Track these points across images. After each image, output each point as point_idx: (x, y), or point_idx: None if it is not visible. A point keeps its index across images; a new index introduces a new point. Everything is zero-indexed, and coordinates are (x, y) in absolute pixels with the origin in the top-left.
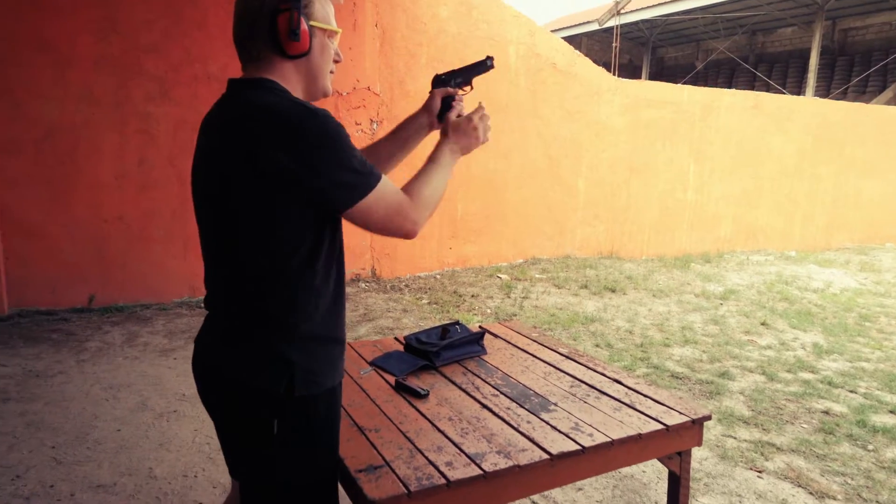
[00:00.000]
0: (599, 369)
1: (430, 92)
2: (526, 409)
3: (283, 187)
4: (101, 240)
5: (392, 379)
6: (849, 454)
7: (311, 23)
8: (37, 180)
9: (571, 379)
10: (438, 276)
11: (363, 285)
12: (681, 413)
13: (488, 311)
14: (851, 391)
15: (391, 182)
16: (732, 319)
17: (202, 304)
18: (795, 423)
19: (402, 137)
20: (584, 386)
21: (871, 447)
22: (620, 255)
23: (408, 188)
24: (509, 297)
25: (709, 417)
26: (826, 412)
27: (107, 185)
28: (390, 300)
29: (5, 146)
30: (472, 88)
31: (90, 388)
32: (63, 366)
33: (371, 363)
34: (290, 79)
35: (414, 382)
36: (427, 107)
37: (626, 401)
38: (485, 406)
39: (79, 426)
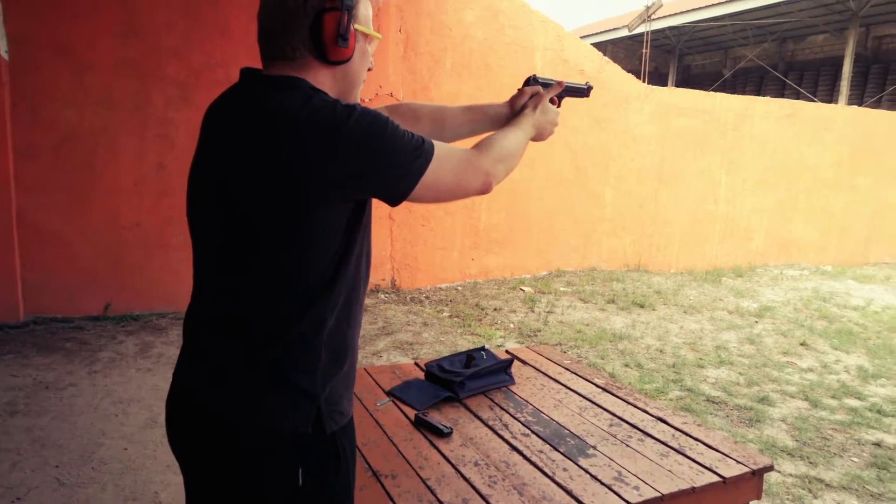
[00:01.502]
0: (641, 405)
1: (520, 89)
2: (561, 454)
3: (329, 194)
4: (118, 246)
5: (412, 413)
6: None
7: (356, 26)
8: (55, 186)
9: (610, 416)
10: (460, 288)
11: (383, 296)
12: (738, 462)
13: (511, 325)
14: None
15: (445, 144)
16: (769, 339)
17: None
18: (844, 456)
19: (473, 119)
20: (625, 425)
21: None
22: (648, 268)
23: (478, 143)
24: (533, 312)
25: (770, 468)
26: (878, 444)
27: (125, 191)
28: (410, 312)
29: (24, 151)
30: (559, 106)
31: (100, 401)
32: (74, 377)
33: (389, 393)
34: (323, 84)
35: (435, 417)
36: (512, 101)
37: (674, 444)
38: (515, 448)
39: (85, 444)
